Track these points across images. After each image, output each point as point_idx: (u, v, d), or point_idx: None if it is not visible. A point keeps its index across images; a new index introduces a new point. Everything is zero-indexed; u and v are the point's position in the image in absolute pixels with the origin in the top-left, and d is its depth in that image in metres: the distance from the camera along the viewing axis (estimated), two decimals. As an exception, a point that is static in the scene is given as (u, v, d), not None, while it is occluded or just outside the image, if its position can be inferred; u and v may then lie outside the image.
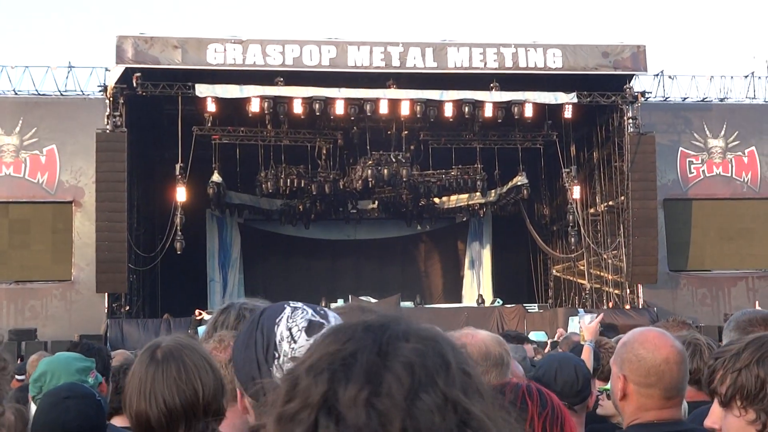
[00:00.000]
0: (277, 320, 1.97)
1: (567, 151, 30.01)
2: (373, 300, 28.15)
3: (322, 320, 1.97)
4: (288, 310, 1.99)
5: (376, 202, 32.37)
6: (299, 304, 2.03)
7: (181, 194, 26.75)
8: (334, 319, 1.96)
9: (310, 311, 2.00)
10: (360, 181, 29.10)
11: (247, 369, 1.96)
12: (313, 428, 1.07)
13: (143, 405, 2.46)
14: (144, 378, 2.49)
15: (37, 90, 27.38)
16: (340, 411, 1.06)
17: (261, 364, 1.92)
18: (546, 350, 12.04)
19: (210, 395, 2.48)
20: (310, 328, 1.94)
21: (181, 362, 2.50)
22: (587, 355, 5.03)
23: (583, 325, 5.82)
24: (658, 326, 3.80)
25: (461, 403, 1.09)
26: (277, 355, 1.92)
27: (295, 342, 1.93)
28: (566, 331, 18.45)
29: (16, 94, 27.44)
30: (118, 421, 4.30)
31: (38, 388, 3.59)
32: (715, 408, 2.13)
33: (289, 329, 1.95)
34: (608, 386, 4.70)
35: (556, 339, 17.94)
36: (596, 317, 5.82)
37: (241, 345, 2.01)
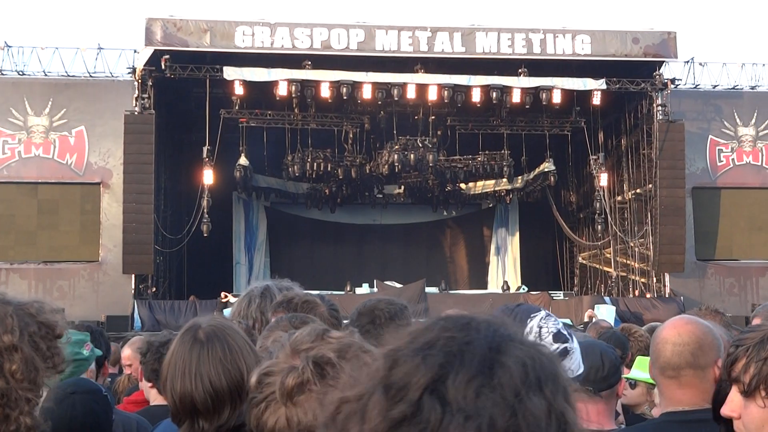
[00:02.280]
0: (532, 315, 2.15)
1: (595, 138, 29.84)
2: (398, 285, 28.24)
3: (568, 336, 2.16)
4: (543, 313, 2.17)
5: (402, 187, 32.35)
6: (553, 315, 2.21)
7: (208, 177, 26.85)
8: (577, 342, 2.11)
9: (561, 324, 2.19)
10: (386, 166, 29.09)
11: None
12: (415, 408, 1.06)
13: (189, 386, 2.41)
14: (188, 359, 2.44)
15: (66, 72, 27.53)
16: (447, 395, 1.06)
17: None
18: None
19: None
20: (558, 335, 2.09)
21: (225, 343, 2.46)
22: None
23: (599, 313, 5.82)
24: (689, 314, 3.80)
25: (565, 415, 1.10)
26: None
27: (541, 340, 2.09)
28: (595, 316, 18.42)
29: (45, 75, 27.61)
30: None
31: None
32: (734, 396, 2.09)
33: (540, 327, 2.12)
34: (630, 375, 4.68)
35: (585, 320, 17.92)
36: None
37: None
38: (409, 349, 1.12)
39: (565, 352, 2.09)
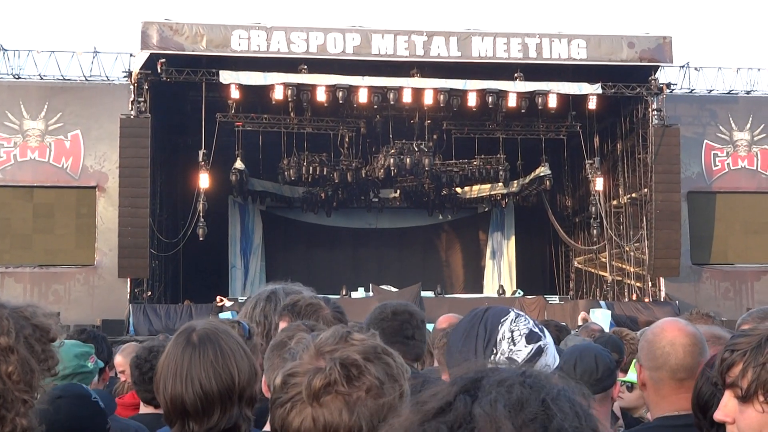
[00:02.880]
0: (502, 320, 2.13)
1: (590, 143, 29.85)
2: (394, 289, 28.18)
3: (540, 333, 2.15)
4: (512, 315, 2.15)
5: (398, 191, 32.34)
6: (522, 313, 2.19)
7: (204, 181, 26.83)
8: (549, 337, 2.11)
9: (531, 322, 2.17)
10: (382, 170, 29.08)
11: (462, 357, 2.10)
12: (448, 404, 1.14)
13: (179, 388, 2.43)
14: (180, 361, 2.46)
15: (62, 75, 27.51)
16: (479, 392, 1.14)
17: (478, 355, 2.07)
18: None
19: (245, 380, 2.47)
20: (530, 336, 2.11)
21: (218, 346, 2.48)
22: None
23: (595, 318, 5.83)
24: (682, 318, 3.80)
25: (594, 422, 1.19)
26: (495, 351, 2.08)
27: (514, 345, 2.10)
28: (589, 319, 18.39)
29: (41, 78, 27.58)
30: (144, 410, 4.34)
31: None
32: (728, 401, 2.06)
33: (512, 332, 2.10)
34: (627, 378, 4.67)
35: (580, 324, 17.92)
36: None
37: (461, 333, 2.16)
38: (444, 383, 1.20)
39: (540, 351, 2.08)
